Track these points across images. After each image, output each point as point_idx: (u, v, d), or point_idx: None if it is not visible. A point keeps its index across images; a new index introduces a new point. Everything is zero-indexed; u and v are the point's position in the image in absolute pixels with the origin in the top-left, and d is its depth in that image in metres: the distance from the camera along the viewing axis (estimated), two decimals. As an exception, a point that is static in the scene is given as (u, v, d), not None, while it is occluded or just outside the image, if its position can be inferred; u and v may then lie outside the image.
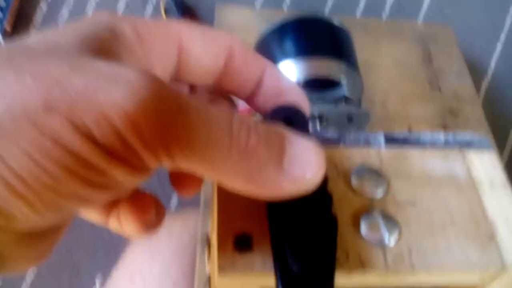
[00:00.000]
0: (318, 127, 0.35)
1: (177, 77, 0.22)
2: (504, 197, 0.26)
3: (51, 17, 0.82)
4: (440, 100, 0.60)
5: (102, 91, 0.15)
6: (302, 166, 0.19)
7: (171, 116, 0.16)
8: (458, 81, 0.62)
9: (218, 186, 0.24)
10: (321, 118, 0.37)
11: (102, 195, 0.17)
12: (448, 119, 0.58)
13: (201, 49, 0.22)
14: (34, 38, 0.17)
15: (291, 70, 0.36)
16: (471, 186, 0.26)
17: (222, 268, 0.21)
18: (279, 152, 0.18)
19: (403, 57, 0.63)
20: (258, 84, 0.24)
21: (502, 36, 0.77)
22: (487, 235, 0.24)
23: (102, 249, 0.66)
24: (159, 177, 0.68)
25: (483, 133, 0.58)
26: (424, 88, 0.60)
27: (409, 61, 0.62)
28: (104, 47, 0.18)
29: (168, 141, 0.16)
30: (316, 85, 0.37)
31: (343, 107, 0.37)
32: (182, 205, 0.70)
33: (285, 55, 0.37)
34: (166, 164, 0.17)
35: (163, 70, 0.21)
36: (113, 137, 0.15)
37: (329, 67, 0.36)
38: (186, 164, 0.17)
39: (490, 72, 0.76)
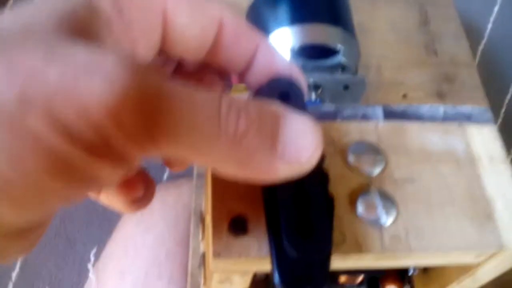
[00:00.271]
0: (313, 97, 0.34)
1: (162, 51, 0.21)
2: (503, 173, 0.25)
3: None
4: (436, 65, 0.58)
5: (80, 83, 0.14)
6: (298, 147, 0.18)
7: (154, 107, 0.15)
8: (455, 45, 0.61)
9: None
10: (316, 87, 0.36)
11: (88, 191, 0.17)
12: (444, 84, 0.57)
13: (188, 21, 0.20)
14: (7, 18, 0.16)
15: (285, 37, 0.35)
16: (470, 161, 0.25)
17: (217, 253, 0.21)
18: (272, 134, 0.17)
19: (399, 19, 0.61)
20: (251, 59, 0.22)
21: (500, -2, 0.75)
22: (485, 214, 0.24)
23: (96, 221, 0.66)
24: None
25: (479, 99, 0.57)
26: (420, 52, 0.59)
27: (405, 23, 0.61)
28: (82, 26, 0.17)
29: (153, 133, 0.15)
30: (312, 53, 0.36)
31: (339, 76, 0.36)
32: (176, 177, 0.69)
33: (279, 22, 0.36)
34: (153, 154, 0.16)
35: (147, 44, 0.20)
36: (94, 133, 0.14)
37: (325, 34, 0.35)
38: (174, 153, 0.17)
39: (486, 35, 0.75)
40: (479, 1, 0.75)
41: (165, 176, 0.68)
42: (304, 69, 0.36)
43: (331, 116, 0.26)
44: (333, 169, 0.24)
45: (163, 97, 0.15)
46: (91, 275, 0.48)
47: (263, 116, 0.17)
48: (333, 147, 0.25)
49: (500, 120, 0.76)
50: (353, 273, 0.27)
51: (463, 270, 0.26)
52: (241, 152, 0.17)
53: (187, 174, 0.60)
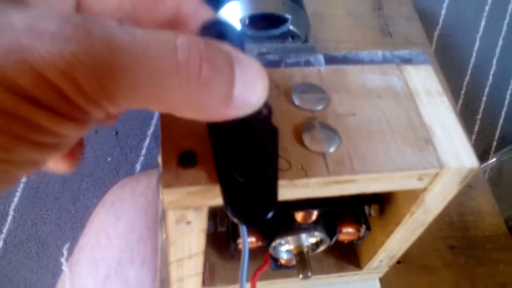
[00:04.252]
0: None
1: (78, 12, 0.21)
2: (440, 105, 0.27)
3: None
4: (392, 46, 0.61)
5: (29, 49, 0.14)
6: (250, 91, 0.18)
7: (106, 62, 0.15)
8: (409, 26, 0.63)
9: None
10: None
11: (51, 154, 0.17)
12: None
13: None
14: None
15: (235, 10, 0.36)
16: (409, 96, 0.27)
17: (168, 184, 0.22)
18: (230, 80, 0.17)
19: (354, 5, 0.63)
20: (176, 13, 0.22)
21: (451, -16, 0.78)
22: (424, 139, 0.25)
23: (68, 222, 0.66)
24: (120, 142, 0.68)
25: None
26: (375, 35, 0.61)
27: (360, 9, 0.63)
28: None
29: (110, 89, 0.15)
30: (262, 24, 0.37)
31: (289, 44, 0.37)
32: (147, 169, 0.70)
33: (228, -4, 0.37)
34: (113, 110, 0.16)
35: (62, 7, 0.19)
36: (53, 94, 0.15)
37: (272, 4, 0.36)
38: (133, 106, 0.17)
39: (441, 20, 0.78)
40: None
41: (137, 168, 0.69)
42: (256, 39, 0.38)
43: (275, 64, 0.27)
44: (278, 108, 0.25)
45: (113, 51, 0.15)
46: (64, 268, 0.48)
47: (221, 59, 0.17)
48: (278, 90, 0.26)
49: (460, 101, 0.78)
50: (306, 207, 0.28)
51: (411, 198, 0.27)
52: (201, 97, 0.17)
53: (157, 165, 0.61)
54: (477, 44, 0.79)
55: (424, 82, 0.27)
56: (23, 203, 0.65)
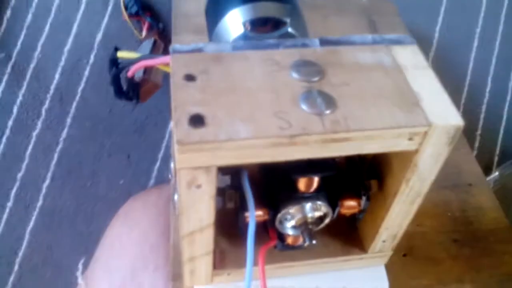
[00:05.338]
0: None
1: None
2: (426, 76, 0.29)
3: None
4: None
5: None
6: None
7: None
8: (403, 45, 0.66)
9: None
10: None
11: None
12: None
13: None
14: None
15: (237, 15, 0.40)
16: (397, 69, 0.29)
17: (180, 141, 0.24)
18: None
19: (350, 29, 0.67)
20: None
21: (441, 9, 0.83)
22: (412, 103, 0.27)
23: (82, 244, 0.67)
24: (132, 166, 0.70)
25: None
26: (371, 52, 0.64)
27: (356, 32, 0.67)
28: None
29: None
30: (263, 27, 0.40)
31: (288, 45, 0.40)
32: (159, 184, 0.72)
33: (233, 4, 0.41)
34: None
35: None
36: None
37: (272, 8, 0.40)
38: None
39: (434, 42, 0.82)
40: (424, 14, 0.83)
41: (151, 183, 0.71)
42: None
43: (274, 46, 0.30)
44: (278, 80, 0.28)
45: None
46: (80, 281, 0.49)
47: None
48: (277, 66, 0.29)
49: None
50: (307, 172, 0.30)
51: (405, 163, 0.29)
52: None
53: (167, 181, 0.63)
54: (471, 64, 0.82)
55: (411, 59, 0.30)
56: (38, 226, 0.67)
